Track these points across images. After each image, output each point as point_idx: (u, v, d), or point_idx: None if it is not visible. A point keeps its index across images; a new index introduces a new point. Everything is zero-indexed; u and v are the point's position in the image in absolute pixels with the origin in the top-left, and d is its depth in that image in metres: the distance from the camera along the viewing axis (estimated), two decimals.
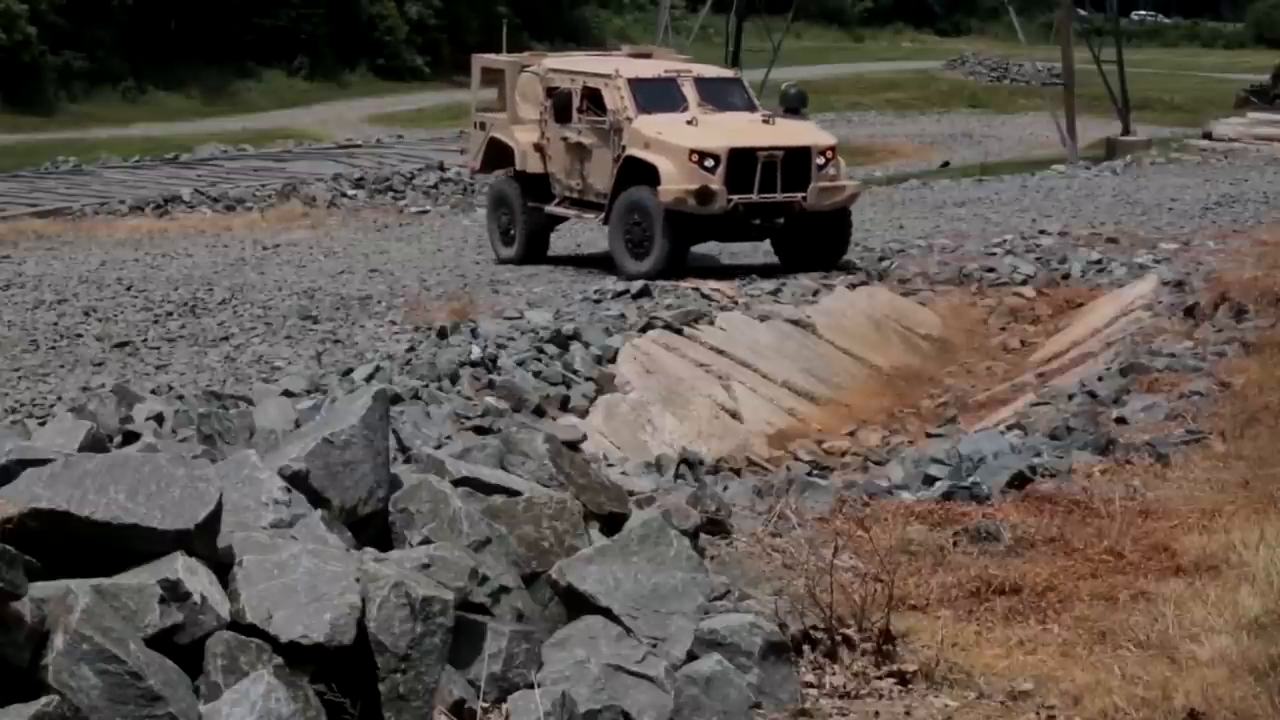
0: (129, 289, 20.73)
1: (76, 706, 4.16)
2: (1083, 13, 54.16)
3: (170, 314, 19.22)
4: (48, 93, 50.48)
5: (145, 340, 17.87)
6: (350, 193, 33.33)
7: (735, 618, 5.42)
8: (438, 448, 8.48)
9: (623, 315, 17.55)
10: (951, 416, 16.11)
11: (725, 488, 10.70)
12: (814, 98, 28.80)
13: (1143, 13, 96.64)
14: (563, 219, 22.50)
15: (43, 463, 4.81)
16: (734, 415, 16.00)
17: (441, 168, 37.35)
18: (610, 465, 12.23)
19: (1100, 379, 14.40)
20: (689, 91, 20.93)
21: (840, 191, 20.49)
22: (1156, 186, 30.44)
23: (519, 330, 16.61)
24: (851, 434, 16.05)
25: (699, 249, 22.27)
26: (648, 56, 23.38)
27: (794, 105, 22.07)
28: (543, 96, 21.76)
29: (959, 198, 29.91)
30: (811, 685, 5.51)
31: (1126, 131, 46.66)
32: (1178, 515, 7.91)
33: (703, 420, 15.59)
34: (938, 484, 9.99)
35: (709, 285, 19.16)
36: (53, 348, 17.46)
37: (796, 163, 19.94)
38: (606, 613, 5.32)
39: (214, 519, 4.70)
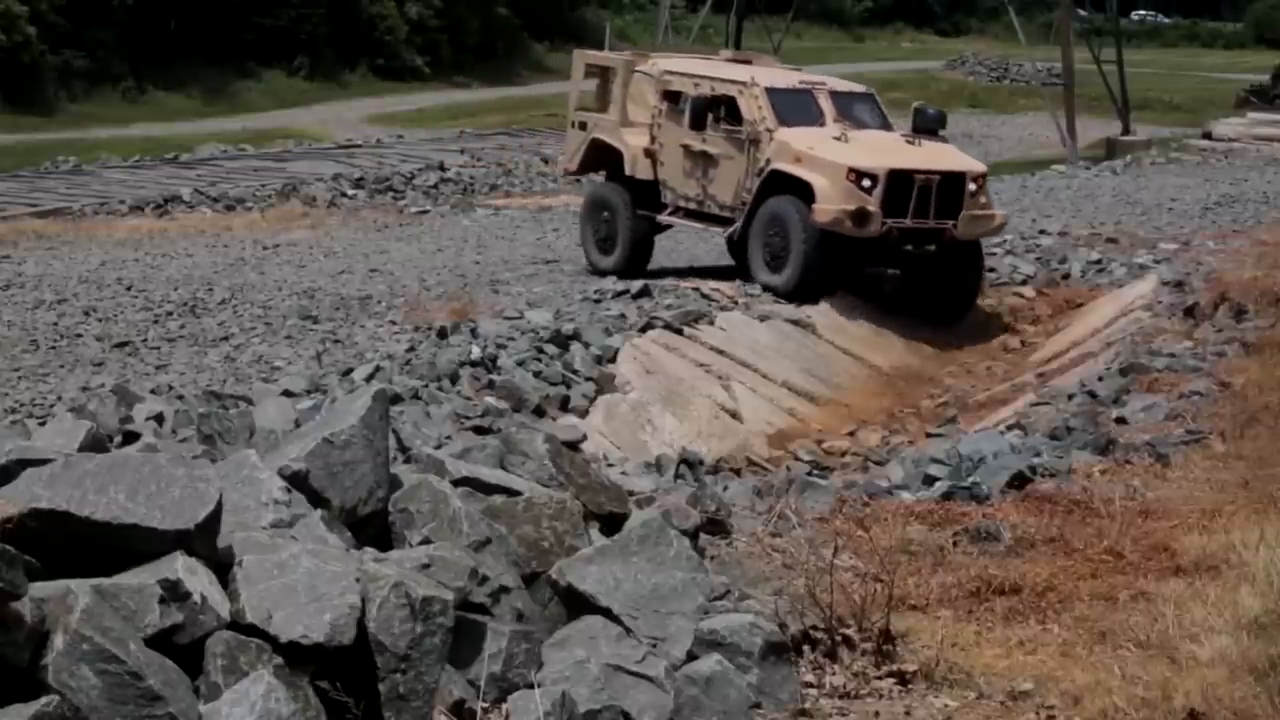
0: (129, 289, 20.73)
1: (76, 706, 4.16)
2: (1083, 13, 54.21)
3: (170, 314, 19.21)
4: (48, 93, 50.46)
5: (145, 340, 17.87)
6: (350, 193, 33.34)
7: (735, 618, 5.42)
8: (438, 448, 8.49)
9: (623, 315, 17.54)
10: (951, 416, 16.11)
11: (725, 488, 10.72)
12: None
13: (1143, 13, 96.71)
14: (667, 227, 21.18)
15: (43, 463, 4.81)
16: (734, 415, 16.00)
17: (441, 168, 37.38)
18: (610, 465, 12.24)
19: (1100, 379, 14.41)
20: (825, 104, 19.73)
21: (990, 221, 19.33)
22: (1156, 186, 30.44)
23: (519, 330, 16.61)
24: (851, 434, 16.05)
25: (698, 250, 22.23)
26: (748, 63, 22.28)
27: (931, 126, 20.34)
28: (657, 99, 20.52)
29: None
30: (811, 685, 5.51)
31: (1126, 131, 46.71)
32: (1178, 515, 7.91)
33: (703, 420, 15.60)
34: (938, 484, 10.01)
35: (709, 285, 19.14)
36: (53, 348, 17.46)
37: (950, 188, 18.74)
38: (606, 613, 5.32)
39: (214, 519, 4.70)
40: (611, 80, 21.43)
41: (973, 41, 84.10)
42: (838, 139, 19.00)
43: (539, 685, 4.89)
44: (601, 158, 21.43)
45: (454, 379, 14.63)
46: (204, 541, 4.68)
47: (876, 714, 5.37)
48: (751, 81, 19.67)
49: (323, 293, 20.39)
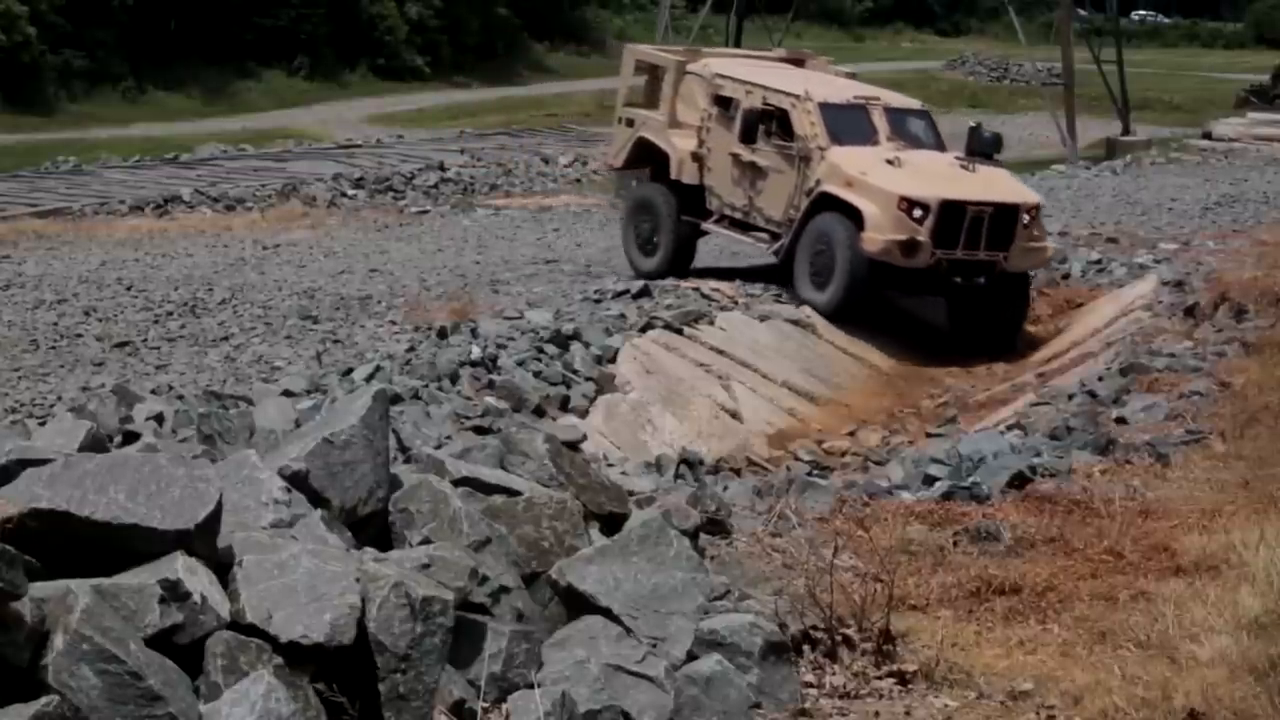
0: (129, 289, 20.74)
1: (76, 706, 4.15)
2: (1083, 13, 54.19)
3: (170, 314, 19.22)
4: (48, 93, 50.45)
5: (145, 340, 17.87)
6: (350, 193, 33.36)
7: (735, 618, 5.42)
8: (438, 448, 8.49)
9: (623, 315, 17.54)
10: (951, 416, 16.11)
11: (725, 488, 10.72)
12: None
13: (1143, 13, 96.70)
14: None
15: (43, 463, 4.80)
16: (734, 415, 16.00)
17: (441, 168, 37.40)
18: (610, 465, 12.24)
19: (1100, 379, 14.41)
20: (879, 122, 19.19)
21: (1041, 253, 18.95)
22: (1156, 186, 30.44)
23: (519, 330, 16.61)
24: (851, 434, 16.05)
25: (699, 250, 22.20)
26: (800, 63, 22.01)
27: (987, 150, 19.71)
28: (707, 102, 20.15)
29: None
30: (811, 685, 5.50)
31: (1126, 131, 46.72)
32: (1178, 515, 7.91)
33: (703, 420, 15.59)
34: (938, 484, 10.01)
35: (709, 285, 19.14)
36: (53, 348, 17.46)
37: (1003, 220, 18.18)
38: (606, 613, 5.32)
39: (214, 519, 4.70)
40: (661, 78, 21.10)
41: (973, 41, 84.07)
42: (890, 162, 18.51)
43: (539, 685, 4.89)
44: (646, 157, 21.10)
45: (454, 379, 14.63)
46: (204, 541, 4.67)
47: (876, 714, 5.37)
48: (805, 96, 19.16)
49: (323, 293, 20.40)
